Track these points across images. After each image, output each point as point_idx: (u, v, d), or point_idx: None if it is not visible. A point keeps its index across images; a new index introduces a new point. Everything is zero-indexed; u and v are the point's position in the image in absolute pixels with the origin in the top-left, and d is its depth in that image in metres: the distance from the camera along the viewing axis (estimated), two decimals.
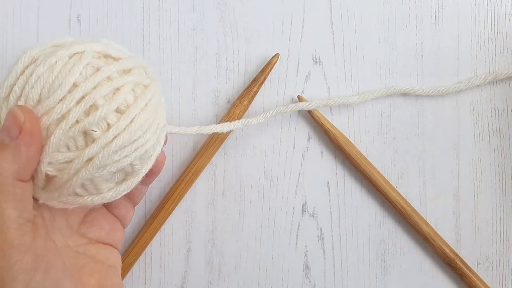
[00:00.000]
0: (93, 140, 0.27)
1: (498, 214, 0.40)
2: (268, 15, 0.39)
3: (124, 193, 0.30)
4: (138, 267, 0.38)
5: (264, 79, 0.38)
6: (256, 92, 0.38)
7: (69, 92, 0.26)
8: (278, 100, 0.39)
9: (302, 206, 0.39)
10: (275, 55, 0.38)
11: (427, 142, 0.40)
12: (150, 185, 0.38)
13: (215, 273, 0.39)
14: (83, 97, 0.26)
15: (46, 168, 0.27)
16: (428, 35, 0.40)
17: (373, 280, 0.39)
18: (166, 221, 0.38)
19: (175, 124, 0.38)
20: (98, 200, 0.29)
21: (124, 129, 0.27)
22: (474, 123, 0.40)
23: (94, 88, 0.27)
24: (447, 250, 0.38)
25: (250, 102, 0.38)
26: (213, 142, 0.38)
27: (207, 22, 0.39)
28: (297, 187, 0.39)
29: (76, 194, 0.28)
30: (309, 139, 0.39)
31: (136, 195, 0.34)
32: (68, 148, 0.27)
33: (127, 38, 0.39)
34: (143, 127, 0.28)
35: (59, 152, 0.26)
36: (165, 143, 0.33)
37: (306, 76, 0.39)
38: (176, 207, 0.38)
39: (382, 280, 0.39)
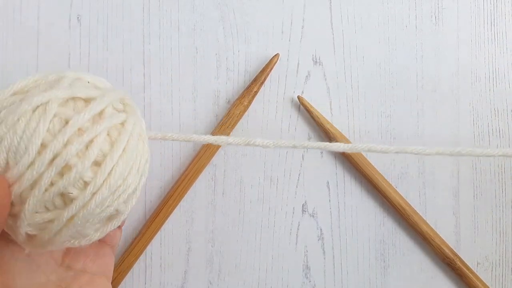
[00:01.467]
0: (72, 200, 0.25)
1: (498, 214, 0.40)
2: (268, 15, 0.39)
3: (115, 226, 0.29)
4: (138, 267, 0.38)
5: (264, 79, 0.38)
6: (256, 92, 0.38)
7: (38, 154, 0.24)
8: (278, 100, 0.39)
9: (302, 206, 0.39)
10: (275, 55, 0.38)
11: (427, 142, 0.40)
12: (150, 186, 0.38)
13: (215, 273, 0.39)
14: (54, 158, 0.24)
15: (26, 229, 0.25)
16: (428, 35, 0.40)
17: (373, 280, 0.39)
18: (166, 221, 0.38)
19: (175, 124, 0.38)
20: (85, 242, 0.28)
21: (103, 184, 0.25)
22: (474, 123, 0.40)
23: (65, 146, 0.24)
24: (446, 250, 0.38)
25: (250, 102, 0.38)
26: None
27: (207, 22, 0.39)
28: (297, 187, 0.39)
29: (67, 241, 0.27)
30: (309, 139, 0.39)
31: None
32: (47, 209, 0.25)
33: (127, 38, 0.39)
34: (124, 174, 0.26)
35: (37, 213, 0.25)
36: None
37: (306, 76, 0.39)
38: (176, 207, 0.38)
39: (382, 280, 0.39)
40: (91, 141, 0.25)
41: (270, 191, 0.39)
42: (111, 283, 0.33)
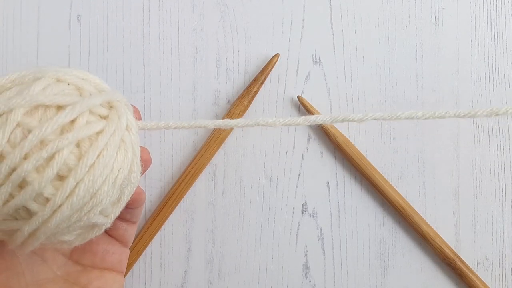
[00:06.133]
0: (34, 213, 0.23)
1: (498, 214, 0.40)
2: (268, 15, 0.39)
3: (98, 234, 0.27)
4: (138, 267, 0.38)
5: (264, 79, 0.38)
6: (256, 92, 0.38)
7: None
8: (278, 100, 0.39)
9: (302, 206, 0.39)
10: (275, 55, 0.38)
11: (427, 142, 0.40)
12: (150, 186, 0.38)
13: (215, 273, 0.39)
14: (11, 172, 0.23)
15: None
16: (428, 35, 0.40)
17: (373, 280, 0.39)
18: (166, 221, 0.38)
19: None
20: (67, 245, 0.27)
21: (65, 201, 0.23)
22: (474, 123, 0.40)
23: (23, 160, 0.23)
24: (446, 250, 0.38)
25: (250, 102, 0.38)
26: (213, 142, 0.38)
27: (207, 22, 0.39)
28: (297, 187, 0.39)
29: (43, 244, 0.26)
30: (309, 139, 0.39)
31: (126, 215, 0.31)
32: (14, 217, 0.24)
33: (127, 38, 0.39)
34: (92, 190, 0.24)
35: (4, 220, 0.24)
36: (146, 164, 0.30)
37: (306, 76, 0.39)
38: (176, 207, 0.38)
39: (382, 280, 0.39)
40: (52, 156, 0.23)
41: (270, 191, 0.39)
42: None
